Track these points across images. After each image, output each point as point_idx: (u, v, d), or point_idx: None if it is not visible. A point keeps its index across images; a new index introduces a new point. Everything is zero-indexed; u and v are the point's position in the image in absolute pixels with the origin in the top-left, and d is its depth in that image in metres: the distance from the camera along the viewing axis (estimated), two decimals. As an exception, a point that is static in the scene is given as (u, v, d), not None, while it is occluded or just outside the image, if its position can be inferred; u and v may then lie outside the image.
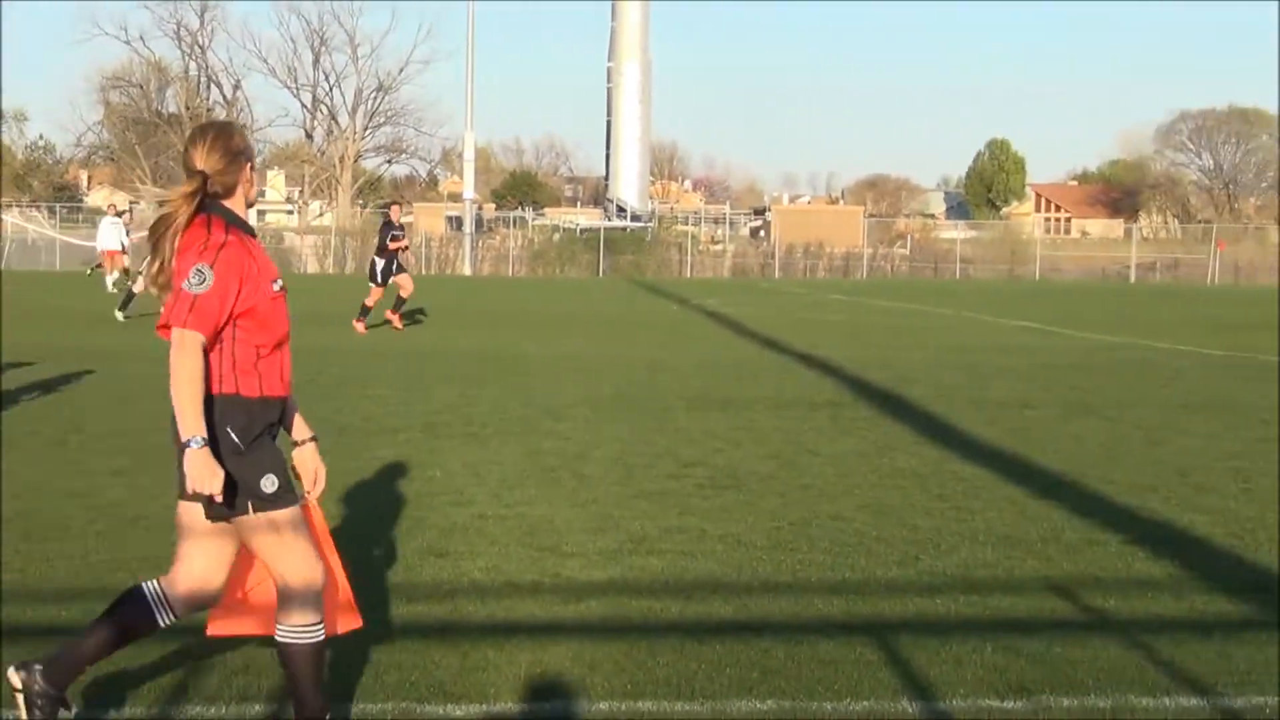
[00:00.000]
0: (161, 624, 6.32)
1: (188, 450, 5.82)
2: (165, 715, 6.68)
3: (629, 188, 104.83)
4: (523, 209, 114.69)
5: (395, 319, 32.46)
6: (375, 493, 12.15)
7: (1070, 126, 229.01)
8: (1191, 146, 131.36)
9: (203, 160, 6.10)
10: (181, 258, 5.98)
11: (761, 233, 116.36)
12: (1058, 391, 20.95)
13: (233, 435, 5.97)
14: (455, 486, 12.51)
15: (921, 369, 24.25)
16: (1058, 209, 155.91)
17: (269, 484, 6.03)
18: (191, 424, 5.81)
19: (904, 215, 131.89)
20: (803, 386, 21.33)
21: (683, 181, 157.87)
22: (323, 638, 6.23)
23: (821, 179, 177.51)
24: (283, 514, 6.09)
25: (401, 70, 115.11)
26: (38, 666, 6.19)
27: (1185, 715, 6.83)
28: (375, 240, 33.93)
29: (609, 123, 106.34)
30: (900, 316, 41.54)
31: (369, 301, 32.36)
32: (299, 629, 6.17)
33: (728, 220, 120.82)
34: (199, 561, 6.27)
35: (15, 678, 6.20)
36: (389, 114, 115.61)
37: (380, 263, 32.19)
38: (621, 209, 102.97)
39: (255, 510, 6.03)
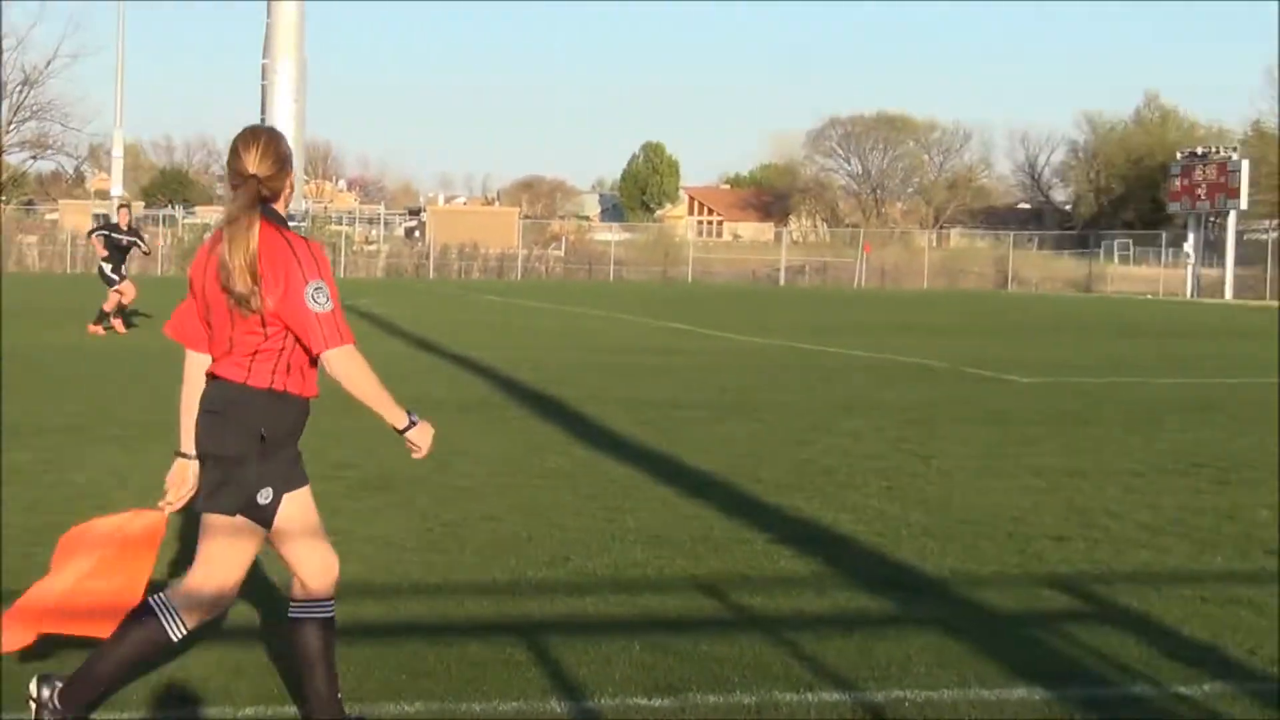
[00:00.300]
0: (174, 637, 6.21)
1: (416, 426, 6.28)
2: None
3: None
4: (173, 207, 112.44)
5: (118, 324, 32.08)
6: (11, 498, 11.77)
7: (722, 130, 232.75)
8: (840, 152, 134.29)
9: (255, 165, 6.10)
10: (272, 268, 5.98)
11: (416, 233, 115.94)
12: (708, 392, 21.24)
13: (264, 433, 6.04)
14: (101, 490, 12.19)
15: (574, 370, 24.39)
16: (710, 212, 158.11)
17: (264, 496, 6.09)
18: (397, 410, 6.22)
19: (559, 217, 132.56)
20: (455, 387, 21.29)
21: (337, 181, 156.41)
22: (332, 614, 6.40)
23: (477, 180, 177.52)
24: (255, 527, 6.14)
25: (49, 64, 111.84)
26: (58, 683, 6.13)
27: (828, 710, 6.94)
28: (91, 242, 33.41)
29: (263, 120, 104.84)
30: (554, 318, 41.75)
31: (107, 306, 31.97)
32: (309, 605, 6.36)
33: (382, 220, 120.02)
34: (220, 560, 6.21)
35: (34, 688, 6.15)
36: (35, 109, 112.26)
37: (108, 266, 31.86)
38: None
39: (242, 514, 6.08)
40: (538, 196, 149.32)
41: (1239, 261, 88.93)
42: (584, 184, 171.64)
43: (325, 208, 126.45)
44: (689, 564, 9.97)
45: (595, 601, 8.88)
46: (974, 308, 61.14)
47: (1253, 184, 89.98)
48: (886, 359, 28.60)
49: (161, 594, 6.26)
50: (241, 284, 5.96)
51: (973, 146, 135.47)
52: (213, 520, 6.11)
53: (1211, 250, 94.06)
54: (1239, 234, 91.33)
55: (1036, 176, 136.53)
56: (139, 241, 32.41)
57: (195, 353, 6.37)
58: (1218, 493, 13.26)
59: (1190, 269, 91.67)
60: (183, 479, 6.39)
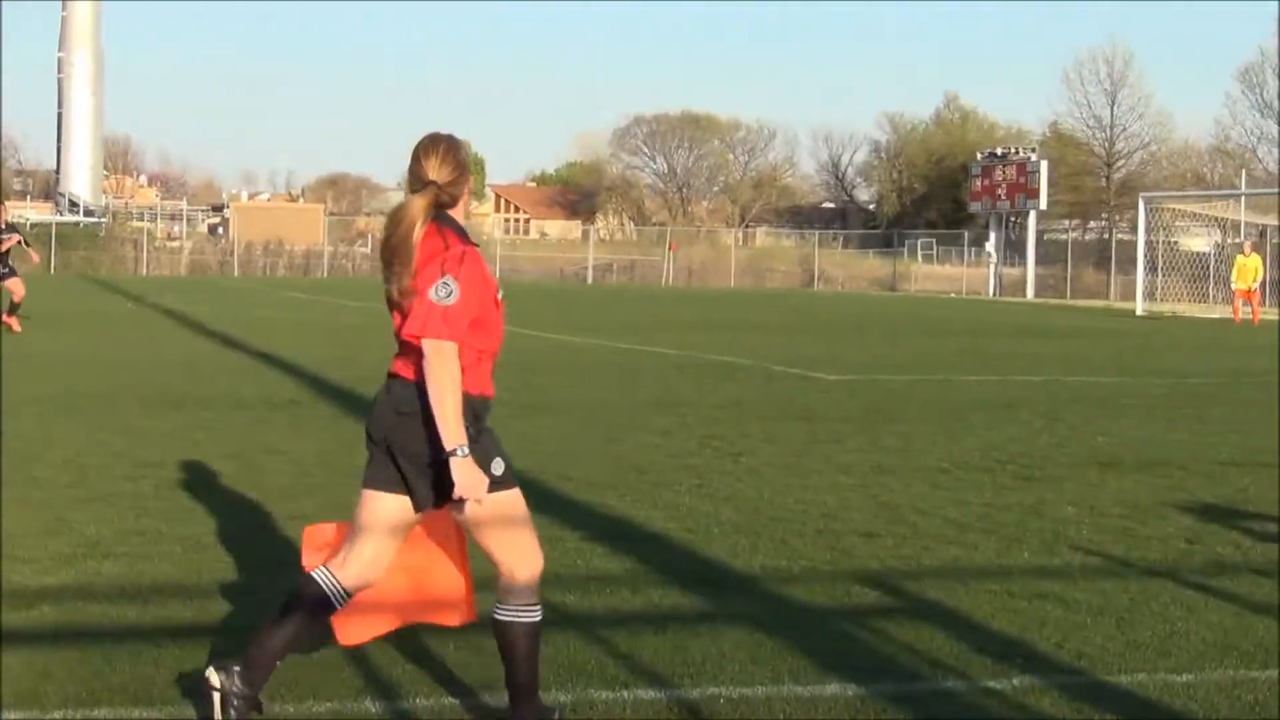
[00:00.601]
0: (337, 608, 6.50)
1: (455, 459, 6.12)
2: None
3: (81, 182, 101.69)
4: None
5: (13, 322, 31.13)
6: None
7: (528, 128, 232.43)
8: (646, 150, 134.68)
9: (435, 171, 6.35)
10: (423, 269, 6.21)
11: (220, 230, 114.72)
12: (517, 390, 21.19)
13: (468, 427, 6.20)
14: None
15: (384, 368, 24.12)
16: (517, 210, 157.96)
17: (497, 466, 6.31)
18: (455, 433, 6.14)
19: (365, 214, 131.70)
20: (263, 385, 21.08)
21: (138, 176, 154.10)
22: (540, 617, 6.53)
23: (281, 176, 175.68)
24: (509, 494, 6.39)
25: None
26: (236, 668, 6.33)
27: (643, 708, 6.96)
28: None
29: (60, 114, 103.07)
30: (362, 315, 41.46)
31: None
32: (513, 610, 6.48)
33: (185, 217, 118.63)
34: (369, 553, 6.49)
35: (215, 677, 6.32)
36: None
37: None
38: (74, 204, 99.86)
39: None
40: (343, 193, 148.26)
41: (1039, 261, 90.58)
42: (390, 180, 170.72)
43: (126, 203, 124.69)
44: (502, 563, 9.93)
45: (408, 601, 8.82)
46: (780, 306, 61.65)
47: (1051, 184, 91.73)
48: (695, 357, 28.74)
49: (324, 570, 6.54)
50: (399, 286, 6.29)
51: (777, 146, 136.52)
52: (474, 505, 6.32)
53: (1013, 250, 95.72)
54: (1039, 234, 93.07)
55: (840, 176, 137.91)
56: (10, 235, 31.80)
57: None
58: (1023, 489, 13.47)
59: (992, 268, 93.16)
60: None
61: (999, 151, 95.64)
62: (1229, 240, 76.60)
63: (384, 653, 7.64)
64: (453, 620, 6.85)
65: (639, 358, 28.51)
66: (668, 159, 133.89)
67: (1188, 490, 13.59)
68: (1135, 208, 71.99)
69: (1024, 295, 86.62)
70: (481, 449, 6.27)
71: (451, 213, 6.43)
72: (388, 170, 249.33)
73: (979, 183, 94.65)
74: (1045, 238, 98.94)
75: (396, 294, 6.30)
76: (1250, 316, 52.13)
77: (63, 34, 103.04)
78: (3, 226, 31.70)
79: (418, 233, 6.25)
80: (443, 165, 6.37)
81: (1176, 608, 9.11)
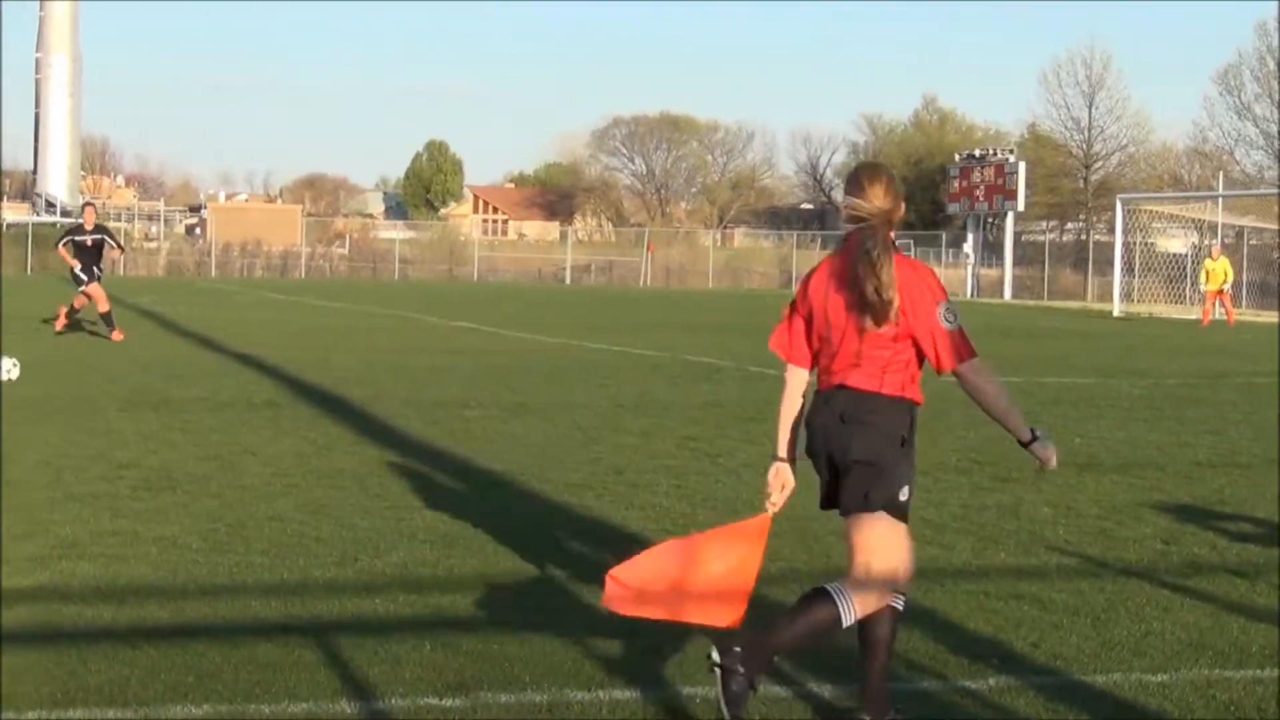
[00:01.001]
0: (845, 620, 6.66)
1: (1039, 440, 6.76)
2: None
3: (58, 182, 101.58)
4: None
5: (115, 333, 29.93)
6: None
7: (507, 129, 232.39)
8: (624, 151, 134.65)
9: (880, 199, 6.75)
10: (906, 291, 6.58)
11: (197, 230, 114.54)
12: (496, 392, 21.20)
13: (904, 437, 6.65)
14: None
15: (361, 370, 24.23)
16: (495, 211, 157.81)
17: (904, 494, 6.68)
18: (1022, 423, 6.79)
19: (342, 215, 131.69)
20: (241, 386, 21.05)
21: (115, 177, 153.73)
22: (900, 607, 6.82)
23: (258, 177, 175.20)
24: (903, 520, 6.72)
25: None
26: (738, 649, 6.56)
27: (620, 708, 6.96)
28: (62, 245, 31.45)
29: (37, 115, 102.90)
30: (340, 317, 41.44)
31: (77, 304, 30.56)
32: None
33: (162, 217, 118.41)
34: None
35: (716, 655, 6.57)
36: None
37: (78, 265, 30.01)
38: (51, 204, 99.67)
39: (884, 510, 6.65)
40: (321, 194, 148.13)
41: (1017, 262, 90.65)
42: (367, 181, 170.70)
43: (103, 204, 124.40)
44: (479, 563, 9.96)
45: (385, 601, 8.84)
46: (759, 307, 61.65)
47: (1029, 186, 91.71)
48: (673, 358, 28.73)
49: (837, 583, 6.75)
50: (879, 306, 6.54)
51: (755, 147, 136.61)
52: (863, 518, 6.69)
53: (990, 251, 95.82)
54: (1017, 235, 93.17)
55: (819, 177, 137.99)
56: (109, 239, 30.77)
57: (796, 367, 7.05)
58: (1000, 490, 13.49)
59: (969, 269, 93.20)
60: (785, 481, 7.02)
61: (977, 153, 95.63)
62: (1206, 242, 76.79)
63: (360, 651, 7.63)
64: (722, 622, 6.89)
65: (617, 359, 28.50)
66: (646, 160, 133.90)
67: (1165, 491, 13.63)
68: (1112, 209, 72.19)
69: (1001, 296, 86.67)
70: (906, 467, 6.70)
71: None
72: (365, 171, 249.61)
73: (957, 184, 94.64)
74: (1023, 239, 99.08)
75: (878, 317, 6.60)
76: (1225, 317, 52.24)
77: (40, 35, 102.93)
78: (90, 228, 30.47)
79: (891, 257, 6.61)
80: (886, 194, 6.79)
81: (1152, 608, 9.13)
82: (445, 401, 19.70)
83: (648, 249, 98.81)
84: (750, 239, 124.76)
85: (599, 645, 7.93)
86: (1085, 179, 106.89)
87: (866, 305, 6.58)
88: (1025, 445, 6.79)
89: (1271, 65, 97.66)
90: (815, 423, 6.84)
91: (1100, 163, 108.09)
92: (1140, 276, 68.43)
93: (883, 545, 6.68)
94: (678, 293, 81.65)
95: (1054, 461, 6.84)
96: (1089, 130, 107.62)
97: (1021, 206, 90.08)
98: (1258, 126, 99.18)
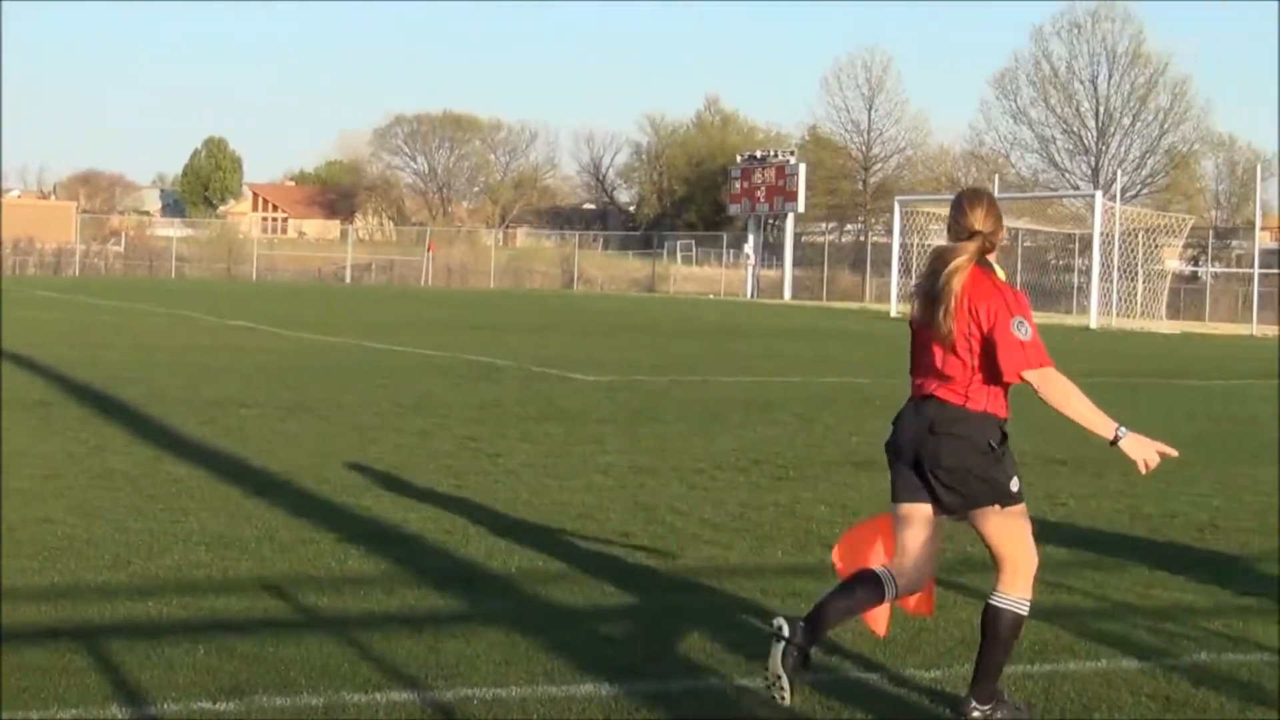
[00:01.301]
0: (888, 598, 7.14)
1: (1123, 441, 6.90)
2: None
3: None
4: None
5: None
6: None
7: (288, 126, 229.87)
8: (406, 150, 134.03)
9: (981, 222, 7.08)
10: (986, 308, 6.94)
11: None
12: (274, 391, 20.98)
13: (992, 445, 6.97)
14: None
15: (136, 369, 23.84)
16: (275, 209, 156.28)
17: (1014, 484, 7.03)
18: (1104, 424, 6.94)
19: (118, 212, 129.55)
20: (12, 386, 20.60)
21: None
22: (1026, 612, 7.06)
23: (32, 173, 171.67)
24: (1020, 507, 7.05)
25: None
26: (801, 624, 6.92)
27: (397, 710, 6.90)
28: None
29: None
30: (115, 315, 40.78)
31: None
32: (1013, 600, 6.99)
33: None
34: (913, 558, 7.14)
35: (785, 627, 6.89)
36: None
37: None
38: None
39: (1003, 506, 6.99)
40: (96, 190, 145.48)
41: (797, 263, 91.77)
42: (144, 178, 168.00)
43: None
44: (254, 565, 9.83)
45: (158, 604, 8.68)
46: (540, 307, 61.74)
47: (809, 187, 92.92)
48: (454, 358, 28.65)
49: (885, 567, 7.14)
50: (948, 323, 6.94)
51: (538, 147, 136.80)
52: (989, 514, 7.01)
53: (771, 252, 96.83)
54: (797, 236, 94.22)
55: (601, 177, 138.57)
56: None
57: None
58: (778, 489, 13.62)
59: (750, 270, 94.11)
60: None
61: (758, 154, 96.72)
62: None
63: (132, 655, 7.50)
64: (918, 611, 7.55)
65: (398, 358, 28.35)
66: (428, 159, 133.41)
67: (938, 489, 13.81)
68: (891, 211, 73.23)
69: (781, 297, 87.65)
70: (1003, 465, 7.01)
71: (987, 257, 7.13)
72: (141, 168, 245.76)
73: (738, 185, 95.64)
74: (803, 240, 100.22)
75: (943, 333, 6.97)
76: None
77: None
78: None
79: (962, 278, 6.96)
80: (987, 217, 7.10)
81: (926, 605, 9.25)
82: (221, 401, 19.45)
83: (429, 248, 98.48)
84: (532, 239, 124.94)
85: (375, 647, 7.87)
86: (864, 181, 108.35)
87: (939, 322, 6.99)
88: (1112, 444, 7.01)
89: (1047, 70, 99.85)
90: (903, 427, 7.22)
91: (879, 165, 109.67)
92: (918, 278, 69.44)
93: (1008, 534, 7.05)
94: (459, 292, 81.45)
95: (1153, 458, 6.94)
96: (868, 133, 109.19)
97: (802, 208, 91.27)
98: (1033, 130, 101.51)
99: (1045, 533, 8.59)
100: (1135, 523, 12.37)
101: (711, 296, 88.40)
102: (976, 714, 6.91)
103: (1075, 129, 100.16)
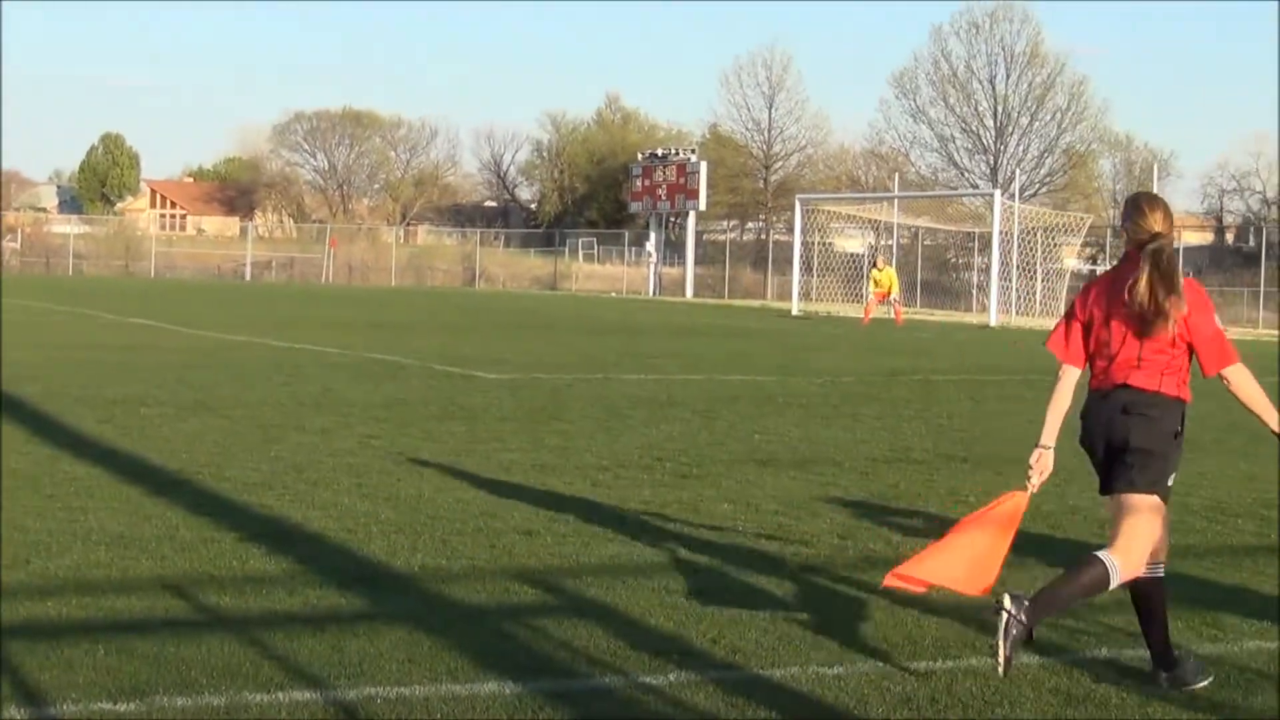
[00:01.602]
0: (1112, 584, 7.50)
1: None
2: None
3: None
4: None
5: None
6: None
7: (185, 122, 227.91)
8: (306, 147, 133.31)
9: (1160, 224, 7.68)
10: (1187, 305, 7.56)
11: None
12: (175, 389, 20.84)
13: (1179, 429, 7.65)
14: None
15: (34, 367, 23.60)
16: (173, 205, 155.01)
17: (1171, 480, 7.70)
18: (1277, 417, 7.68)
19: (14, 208, 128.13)
20: (-95, 384, 20.35)
21: None
22: (1113, 585, 7.53)
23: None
24: (1163, 503, 7.66)
25: None
26: (1026, 601, 7.29)
27: (299, 710, 6.87)
28: None
29: None
30: (11, 312, 40.31)
31: None
32: (1116, 564, 7.44)
33: None
34: (1142, 541, 7.57)
35: (1007, 602, 7.23)
36: None
37: None
38: None
39: (1160, 495, 7.63)
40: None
41: (699, 261, 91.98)
42: (40, 175, 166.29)
43: None
44: (154, 564, 9.76)
45: (57, 604, 8.61)
46: (442, 305, 61.59)
47: (711, 185, 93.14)
48: (356, 356, 28.56)
49: (1105, 551, 7.54)
50: (1164, 316, 7.51)
51: (439, 144, 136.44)
52: (1133, 498, 7.58)
53: (672, 250, 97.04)
54: (698, 234, 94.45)
55: (502, 175, 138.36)
56: None
57: (1071, 367, 7.96)
58: (681, 486, 13.64)
59: (652, 268, 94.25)
60: (1045, 466, 7.84)
61: (659, 152, 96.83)
62: (882, 241, 78.62)
63: (31, 656, 7.43)
64: (974, 590, 7.75)
65: (299, 356, 28.21)
66: (329, 155, 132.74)
67: (841, 487, 13.90)
68: (792, 209, 73.48)
69: (683, 295, 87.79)
70: (1176, 457, 7.68)
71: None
72: (38, 164, 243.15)
73: (640, 183, 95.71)
74: (704, 238, 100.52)
75: (1165, 329, 7.56)
76: (893, 317, 53.43)
77: None
78: None
79: (1179, 276, 7.55)
80: (1165, 219, 7.70)
81: (829, 602, 9.30)
82: (121, 399, 19.29)
83: (330, 245, 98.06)
84: (434, 236, 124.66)
85: (278, 646, 7.83)
86: (765, 179, 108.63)
87: (1150, 316, 7.53)
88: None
89: (946, 69, 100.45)
90: (1093, 416, 7.81)
91: (780, 163, 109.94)
92: (818, 276, 69.84)
93: (1147, 522, 7.56)
94: (360, 290, 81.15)
95: None
96: (769, 131, 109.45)
97: (703, 206, 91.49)
98: (932, 129, 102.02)
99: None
100: (1035, 519, 12.45)
101: (614, 294, 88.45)
102: (1011, 609, 7.22)
103: (974, 128, 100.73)
